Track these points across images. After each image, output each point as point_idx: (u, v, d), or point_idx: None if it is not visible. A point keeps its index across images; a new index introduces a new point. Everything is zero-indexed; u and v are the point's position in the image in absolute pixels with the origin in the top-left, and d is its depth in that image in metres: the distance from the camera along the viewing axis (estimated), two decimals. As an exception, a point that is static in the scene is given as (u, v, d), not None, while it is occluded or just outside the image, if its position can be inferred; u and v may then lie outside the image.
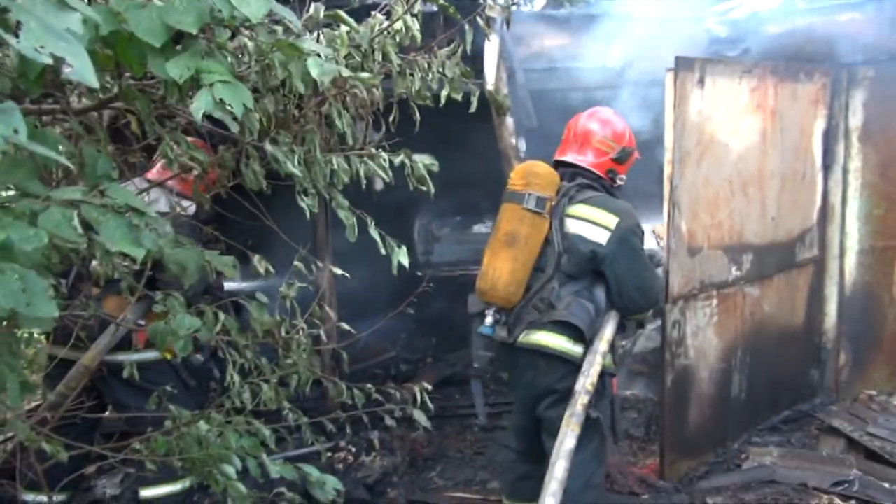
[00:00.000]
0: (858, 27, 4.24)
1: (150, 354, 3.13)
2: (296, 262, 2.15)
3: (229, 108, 1.14)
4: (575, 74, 4.45)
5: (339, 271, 2.30)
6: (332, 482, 2.14)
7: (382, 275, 5.76)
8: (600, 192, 2.83)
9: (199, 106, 1.14)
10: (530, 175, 2.77)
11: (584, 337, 2.65)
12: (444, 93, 1.77)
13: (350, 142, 1.70)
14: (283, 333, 2.21)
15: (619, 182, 2.93)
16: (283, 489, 2.32)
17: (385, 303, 6.12)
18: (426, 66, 1.74)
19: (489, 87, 1.74)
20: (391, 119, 1.87)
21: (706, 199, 3.73)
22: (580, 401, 2.51)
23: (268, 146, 1.51)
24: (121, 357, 2.99)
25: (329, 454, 4.12)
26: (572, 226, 2.72)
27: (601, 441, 2.81)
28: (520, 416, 2.99)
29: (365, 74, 1.39)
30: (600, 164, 2.89)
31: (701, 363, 3.84)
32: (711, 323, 3.87)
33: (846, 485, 3.48)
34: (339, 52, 1.56)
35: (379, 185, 4.09)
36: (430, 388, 2.46)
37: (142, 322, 2.99)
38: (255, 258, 2.12)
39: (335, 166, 1.54)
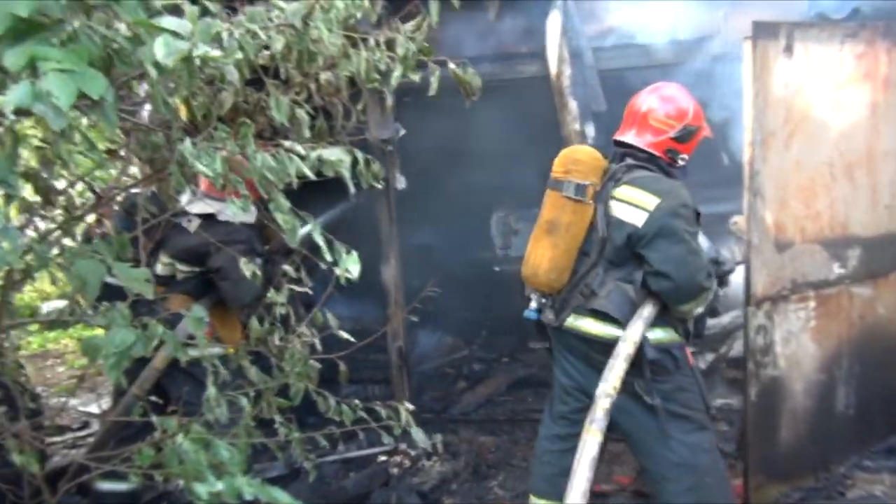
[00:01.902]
0: None
1: (216, 350, 3.15)
2: (286, 267, 2.01)
3: (55, 100, 1.00)
4: (651, 50, 4.03)
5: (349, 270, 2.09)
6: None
7: (456, 272, 5.62)
8: (653, 173, 2.63)
9: (12, 98, 1.01)
10: (570, 162, 2.68)
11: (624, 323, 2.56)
12: (395, 73, 1.55)
13: (306, 133, 1.53)
14: (276, 341, 2.08)
15: (681, 162, 2.73)
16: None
17: (458, 301, 5.97)
18: (374, 44, 1.53)
19: (451, 66, 1.50)
20: (359, 107, 1.68)
21: (798, 186, 3.23)
22: (600, 405, 2.38)
23: (181, 144, 1.37)
24: (192, 353, 3.03)
25: (385, 458, 4.01)
26: (616, 209, 2.61)
27: (697, 427, 2.66)
28: (565, 403, 2.83)
29: (217, 53, 1.21)
30: (658, 143, 2.71)
31: (794, 374, 3.35)
32: (807, 328, 3.36)
33: (975, 525, 2.91)
34: (258, 31, 1.40)
35: (401, 185, 3.94)
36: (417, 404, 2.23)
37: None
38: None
39: (259, 163, 1.37)
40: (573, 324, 2.68)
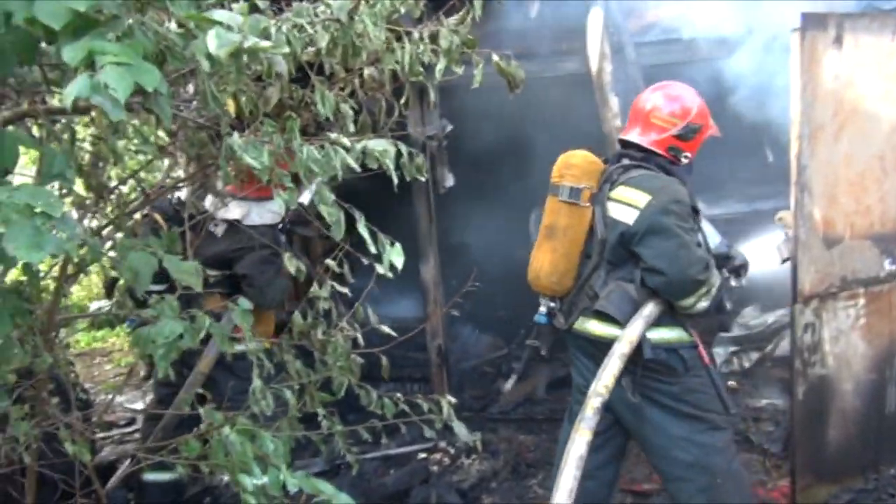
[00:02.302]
0: None
1: (254, 345, 3.20)
2: (328, 262, 2.03)
3: (112, 92, 1.03)
4: (695, 45, 3.97)
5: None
6: (344, 499, 2.00)
7: (496, 270, 5.62)
8: (650, 171, 2.64)
9: (72, 91, 1.04)
10: (564, 167, 2.72)
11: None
12: (439, 66, 1.55)
13: (350, 128, 1.55)
14: (319, 335, 2.10)
15: (684, 160, 2.73)
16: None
17: (497, 299, 5.95)
18: (418, 37, 1.54)
19: (495, 58, 1.49)
20: (402, 101, 1.70)
21: (848, 181, 3.15)
22: (591, 404, 2.35)
23: (228, 138, 1.39)
24: (239, 347, 3.08)
25: (425, 455, 4.03)
26: (612, 210, 2.63)
27: (710, 427, 2.62)
28: (580, 403, 2.78)
29: (266, 43, 1.22)
30: (660, 140, 2.70)
31: (843, 373, 3.27)
32: (857, 326, 3.28)
33: None
34: (304, 25, 1.41)
35: (449, 182, 3.93)
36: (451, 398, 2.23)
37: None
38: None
39: (304, 156, 1.39)
40: (581, 326, 2.70)
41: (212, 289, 3.32)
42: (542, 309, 2.78)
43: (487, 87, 3.45)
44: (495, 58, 1.59)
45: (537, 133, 5.97)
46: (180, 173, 2.72)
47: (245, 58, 1.44)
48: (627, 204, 2.57)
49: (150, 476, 3.34)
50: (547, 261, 2.70)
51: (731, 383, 4.57)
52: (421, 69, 1.59)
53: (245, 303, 1.70)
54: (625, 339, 2.45)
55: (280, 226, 3.27)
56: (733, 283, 2.83)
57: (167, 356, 1.46)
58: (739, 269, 2.84)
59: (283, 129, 1.45)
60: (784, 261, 3.27)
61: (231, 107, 1.53)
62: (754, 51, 3.66)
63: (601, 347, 2.60)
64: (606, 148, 3.76)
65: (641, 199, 2.55)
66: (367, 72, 1.70)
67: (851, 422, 3.32)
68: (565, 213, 2.68)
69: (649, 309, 2.51)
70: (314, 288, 2.15)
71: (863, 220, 3.21)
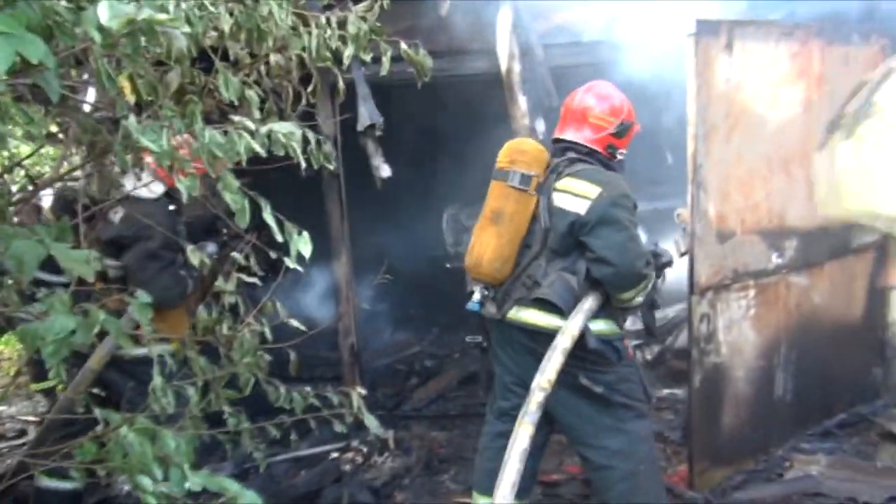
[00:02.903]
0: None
1: (159, 347, 3.05)
2: (234, 255, 1.97)
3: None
4: (600, 49, 4.10)
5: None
6: (250, 498, 1.95)
7: (408, 269, 5.59)
8: (593, 166, 2.69)
9: None
10: (516, 153, 2.72)
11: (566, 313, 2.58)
12: (347, 52, 1.54)
13: (256, 115, 1.51)
14: (225, 331, 2.04)
15: (619, 157, 2.82)
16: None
17: (410, 298, 5.96)
18: (325, 23, 1.52)
19: (403, 46, 1.50)
20: (310, 89, 1.67)
21: (739, 179, 3.34)
22: (535, 399, 2.40)
23: (125, 121, 1.33)
24: (133, 352, 2.90)
25: (337, 454, 3.98)
26: (559, 200, 2.64)
27: (637, 415, 2.71)
28: (506, 399, 2.85)
29: (163, 16, 1.18)
30: (599, 139, 2.76)
31: (736, 361, 3.46)
32: (748, 316, 3.48)
33: (903, 501, 3.05)
34: (206, 4, 1.37)
35: (385, 173, 3.90)
36: (361, 392, 2.22)
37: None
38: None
39: (206, 140, 1.34)
40: (516, 315, 2.67)
41: (116, 283, 3.17)
42: (476, 297, 2.73)
43: (399, 84, 3.44)
44: (404, 46, 1.59)
45: (447, 132, 6.04)
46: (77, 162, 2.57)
47: (143, 40, 1.38)
48: (577, 195, 2.59)
49: (48, 483, 3.15)
50: (492, 246, 2.66)
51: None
52: (329, 55, 1.58)
53: (144, 296, 1.62)
54: (567, 334, 2.47)
55: (177, 212, 3.11)
56: (659, 281, 2.89)
57: (58, 353, 1.38)
58: (665, 267, 2.91)
59: (183, 114, 1.40)
60: (682, 254, 3.43)
61: (127, 89, 1.46)
62: (655, 54, 3.82)
63: (536, 338, 2.62)
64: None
65: (592, 190, 2.58)
66: (273, 58, 1.67)
67: (743, 407, 3.52)
68: (514, 198, 2.65)
69: (589, 303, 2.55)
70: (219, 282, 2.09)
71: (752, 216, 3.41)
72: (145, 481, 1.75)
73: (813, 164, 3.59)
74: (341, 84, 1.64)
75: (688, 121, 3.16)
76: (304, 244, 1.41)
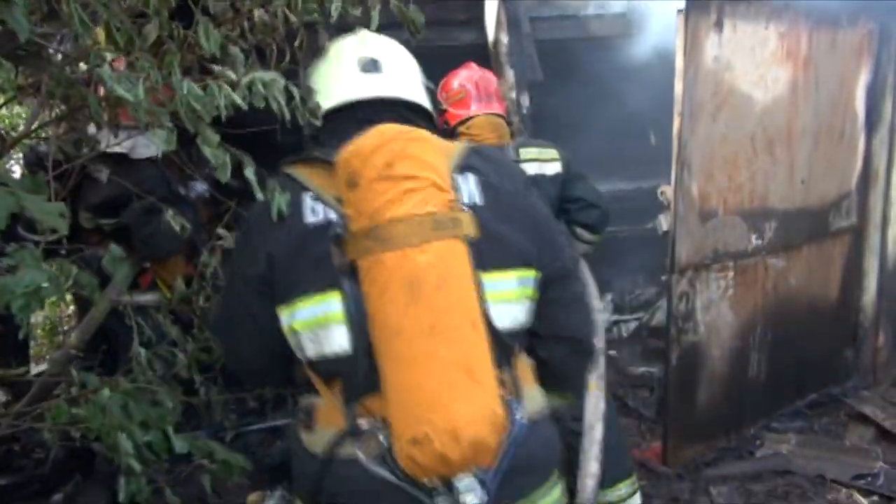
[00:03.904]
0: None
1: (150, 297, 2.99)
2: (219, 231, 1.92)
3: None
4: (588, 23, 4.07)
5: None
6: (239, 461, 1.93)
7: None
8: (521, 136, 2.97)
9: None
10: (500, 127, 2.83)
11: None
12: (334, 5, 1.49)
13: (241, 71, 1.45)
14: (201, 303, 1.99)
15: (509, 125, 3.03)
16: (204, 461, 2.11)
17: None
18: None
19: (394, 1, 1.45)
20: (297, 44, 1.62)
21: (723, 159, 3.34)
22: (603, 362, 2.40)
23: (98, 69, 1.28)
24: (125, 299, 2.83)
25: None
26: (530, 168, 2.72)
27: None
28: None
29: None
30: (506, 110, 3.03)
31: (713, 340, 3.49)
32: (726, 296, 3.50)
33: (869, 478, 3.12)
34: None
35: None
36: None
37: (147, 264, 2.92)
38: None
39: (184, 91, 1.29)
40: None
41: (112, 236, 3.09)
42: None
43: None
44: (394, 1, 1.54)
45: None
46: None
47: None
48: (545, 159, 2.74)
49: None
50: None
51: (611, 352, 4.79)
52: (315, 7, 1.52)
53: (117, 250, 1.57)
54: (595, 294, 2.53)
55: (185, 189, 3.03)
56: None
57: (27, 308, 1.33)
58: None
59: (160, 65, 1.34)
60: (664, 233, 3.44)
61: (102, 39, 1.40)
62: (643, 31, 3.80)
63: None
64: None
65: (551, 151, 2.76)
66: (256, 13, 1.61)
67: (718, 386, 3.55)
68: None
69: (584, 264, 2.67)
70: (204, 256, 2.03)
71: (734, 197, 3.42)
72: (125, 442, 1.71)
73: (796, 145, 3.59)
74: (328, 43, 1.59)
75: (674, 98, 3.14)
76: (286, 202, 1.38)
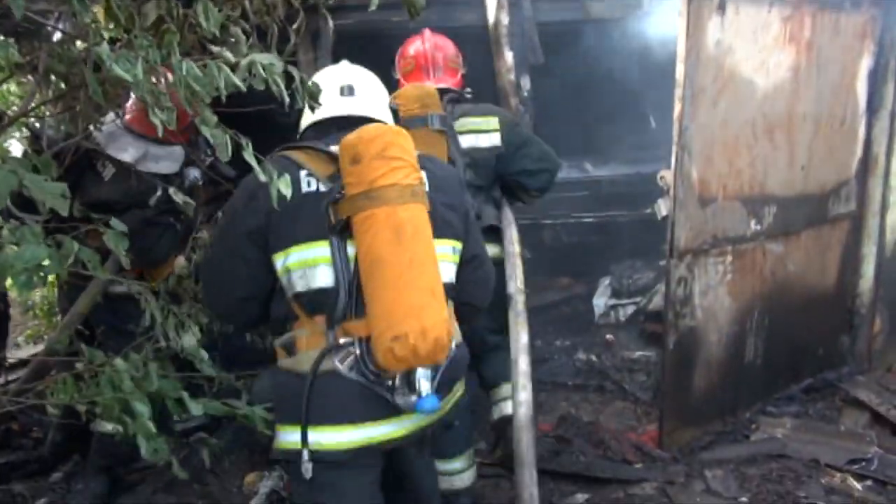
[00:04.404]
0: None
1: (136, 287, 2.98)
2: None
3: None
4: (590, 5, 4.03)
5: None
6: (259, 412, 1.97)
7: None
8: (469, 102, 2.97)
9: None
10: (426, 96, 2.79)
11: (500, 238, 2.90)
12: (332, -15, 1.48)
13: (243, 51, 1.44)
14: (193, 284, 2.00)
15: (469, 94, 3.07)
16: (203, 435, 2.13)
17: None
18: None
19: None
20: (295, 27, 1.61)
21: (723, 144, 3.33)
22: (520, 300, 2.72)
23: (97, 48, 1.26)
24: (115, 288, 2.81)
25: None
26: (466, 140, 2.84)
27: None
28: None
29: None
30: (459, 81, 3.08)
31: (710, 325, 3.50)
32: (724, 281, 3.51)
33: (863, 463, 3.14)
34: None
35: None
36: None
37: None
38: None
39: (183, 72, 1.28)
40: None
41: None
42: None
43: (379, 35, 3.39)
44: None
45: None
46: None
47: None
48: (483, 130, 2.86)
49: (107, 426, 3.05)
50: None
51: (609, 336, 4.81)
52: (315, -11, 1.51)
53: (119, 224, 1.57)
54: (514, 242, 2.80)
55: (179, 177, 2.98)
56: None
57: (29, 283, 1.33)
58: None
59: (160, 45, 1.32)
60: (663, 217, 3.44)
61: (102, 17, 1.38)
62: (644, 14, 3.77)
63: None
64: (501, 100, 3.78)
65: (492, 122, 2.87)
66: (259, -3, 1.59)
67: (715, 370, 3.57)
68: (439, 141, 2.73)
69: (511, 215, 2.91)
70: (202, 235, 2.04)
71: (734, 182, 3.41)
72: (141, 407, 1.72)
73: (797, 131, 3.58)
74: (331, 24, 1.58)
75: (675, 82, 3.12)
76: (285, 185, 1.37)
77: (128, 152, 2.77)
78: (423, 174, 1.87)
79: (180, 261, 2.05)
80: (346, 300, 1.75)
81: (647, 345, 4.61)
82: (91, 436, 3.08)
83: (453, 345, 1.81)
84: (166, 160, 2.85)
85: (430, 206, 1.82)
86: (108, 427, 2.84)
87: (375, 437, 1.77)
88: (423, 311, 1.67)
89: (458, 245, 1.96)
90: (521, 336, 2.66)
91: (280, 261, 1.80)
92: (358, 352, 1.72)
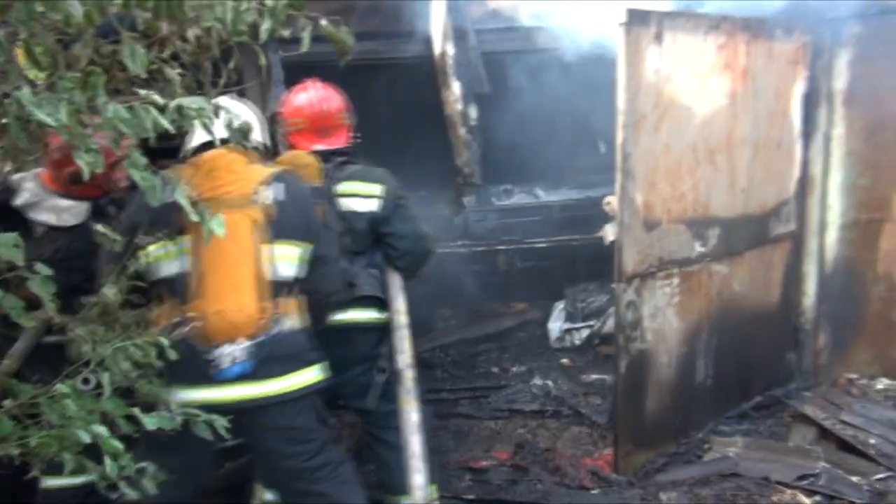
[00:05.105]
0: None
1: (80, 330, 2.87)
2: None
3: None
4: (534, 35, 4.10)
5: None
6: (220, 421, 1.90)
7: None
8: (357, 164, 2.91)
9: None
10: (304, 167, 2.74)
11: (384, 303, 2.84)
12: (265, 26, 1.47)
13: (178, 92, 1.42)
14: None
15: (357, 140, 3.05)
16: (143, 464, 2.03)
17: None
18: (240, -8, 1.44)
19: (323, 22, 1.44)
20: (231, 65, 1.59)
21: (666, 169, 3.40)
22: (409, 376, 2.65)
23: (17, 92, 1.22)
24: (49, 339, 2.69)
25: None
26: (344, 204, 2.81)
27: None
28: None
29: None
30: (346, 136, 2.99)
31: (660, 347, 3.54)
32: (672, 303, 3.56)
33: (812, 479, 3.19)
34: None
35: None
36: None
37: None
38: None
39: (110, 114, 1.25)
40: (341, 319, 2.73)
41: None
42: None
43: (327, 66, 3.38)
44: (324, 22, 1.52)
45: (380, 116, 5.95)
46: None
47: (38, 6, 1.27)
48: (366, 195, 2.81)
49: (52, 482, 2.85)
50: None
51: (565, 361, 4.83)
52: (245, 29, 1.50)
53: (44, 269, 1.51)
54: (402, 312, 2.77)
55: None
56: None
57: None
58: None
59: (85, 87, 1.29)
60: (610, 242, 3.48)
61: (21, 57, 1.35)
62: (587, 43, 3.84)
63: (364, 332, 2.83)
64: (448, 130, 3.81)
65: (374, 188, 2.81)
66: (190, 33, 1.57)
67: (666, 392, 3.61)
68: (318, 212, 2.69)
69: (400, 281, 2.85)
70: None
71: (678, 206, 3.48)
72: (99, 428, 1.64)
73: (736, 154, 3.69)
74: (264, 61, 1.57)
75: (617, 109, 3.19)
76: (218, 225, 1.34)
77: (43, 214, 2.66)
78: (275, 189, 2.27)
79: (107, 292, 1.99)
80: (185, 287, 2.18)
81: (603, 368, 4.63)
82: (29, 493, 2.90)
83: (273, 330, 2.19)
84: (67, 213, 2.72)
85: (278, 214, 2.24)
86: (57, 482, 2.73)
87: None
88: (227, 297, 2.14)
89: (304, 247, 2.33)
90: (410, 415, 2.55)
91: (143, 256, 2.24)
92: (195, 324, 2.11)
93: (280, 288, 2.25)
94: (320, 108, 2.93)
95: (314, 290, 2.39)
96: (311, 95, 2.96)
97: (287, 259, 2.28)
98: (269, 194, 2.26)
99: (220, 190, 2.19)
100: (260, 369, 2.17)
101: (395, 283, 2.86)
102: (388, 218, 2.82)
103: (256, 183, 2.26)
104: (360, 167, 2.89)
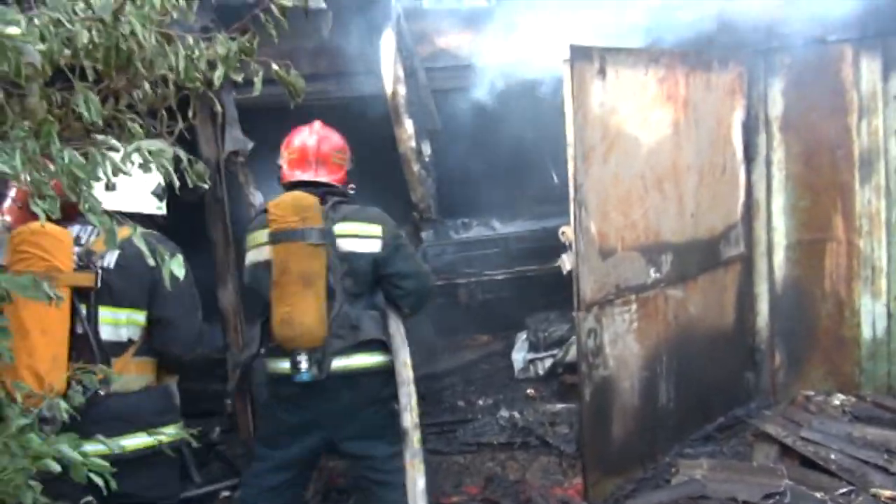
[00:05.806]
0: (772, 12, 4.06)
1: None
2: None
3: None
4: (481, 72, 4.19)
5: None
6: (96, 464, 1.82)
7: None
8: (353, 204, 2.92)
9: None
10: (303, 210, 2.72)
11: (387, 345, 2.80)
12: (217, 73, 1.49)
13: (133, 141, 1.42)
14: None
15: (352, 190, 3.04)
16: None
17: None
18: (193, 42, 1.46)
19: (274, 66, 1.47)
20: (190, 114, 1.60)
21: (617, 198, 3.49)
22: (416, 438, 2.58)
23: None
24: None
25: (229, 493, 3.78)
26: (344, 245, 2.78)
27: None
28: (301, 446, 2.87)
29: (15, 30, 1.11)
30: (342, 177, 2.99)
31: (622, 373, 3.59)
32: (631, 329, 3.62)
33: (777, 497, 3.24)
34: (62, 21, 1.28)
35: (258, 200, 3.79)
36: None
37: None
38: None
39: (65, 161, 1.25)
40: (344, 366, 2.72)
41: None
42: (305, 365, 2.67)
43: (277, 109, 3.39)
44: (275, 66, 1.55)
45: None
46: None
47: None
48: (366, 236, 2.79)
49: None
50: (313, 309, 2.67)
51: (530, 391, 4.84)
52: (198, 76, 1.51)
53: (3, 319, 1.47)
54: (407, 365, 2.71)
55: None
56: None
57: None
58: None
59: (38, 134, 1.28)
60: (568, 272, 3.54)
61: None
62: (535, 78, 3.95)
63: (369, 376, 2.79)
64: (402, 167, 3.84)
65: (374, 228, 2.81)
66: (146, 85, 1.57)
67: (631, 417, 3.64)
68: (318, 256, 2.69)
69: (402, 330, 2.79)
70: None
71: (631, 234, 3.57)
72: (52, 464, 1.57)
73: (683, 182, 3.80)
74: (218, 107, 1.58)
75: (567, 142, 3.27)
76: (177, 266, 1.33)
77: None
78: (110, 258, 2.44)
79: None
80: None
81: (568, 397, 4.65)
82: None
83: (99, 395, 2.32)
84: None
85: (102, 282, 2.40)
86: None
87: None
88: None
89: (137, 312, 2.51)
90: (417, 481, 2.50)
91: None
92: None
93: (108, 349, 2.43)
94: (310, 141, 2.95)
95: (161, 352, 2.59)
96: (310, 130, 3.00)
97: (112, 322, 2.45)
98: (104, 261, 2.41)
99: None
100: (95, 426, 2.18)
101: (400, 330, 2.82)
102: (390, 258, 2.81)
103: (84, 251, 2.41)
104: (356, 207, 2.88)
